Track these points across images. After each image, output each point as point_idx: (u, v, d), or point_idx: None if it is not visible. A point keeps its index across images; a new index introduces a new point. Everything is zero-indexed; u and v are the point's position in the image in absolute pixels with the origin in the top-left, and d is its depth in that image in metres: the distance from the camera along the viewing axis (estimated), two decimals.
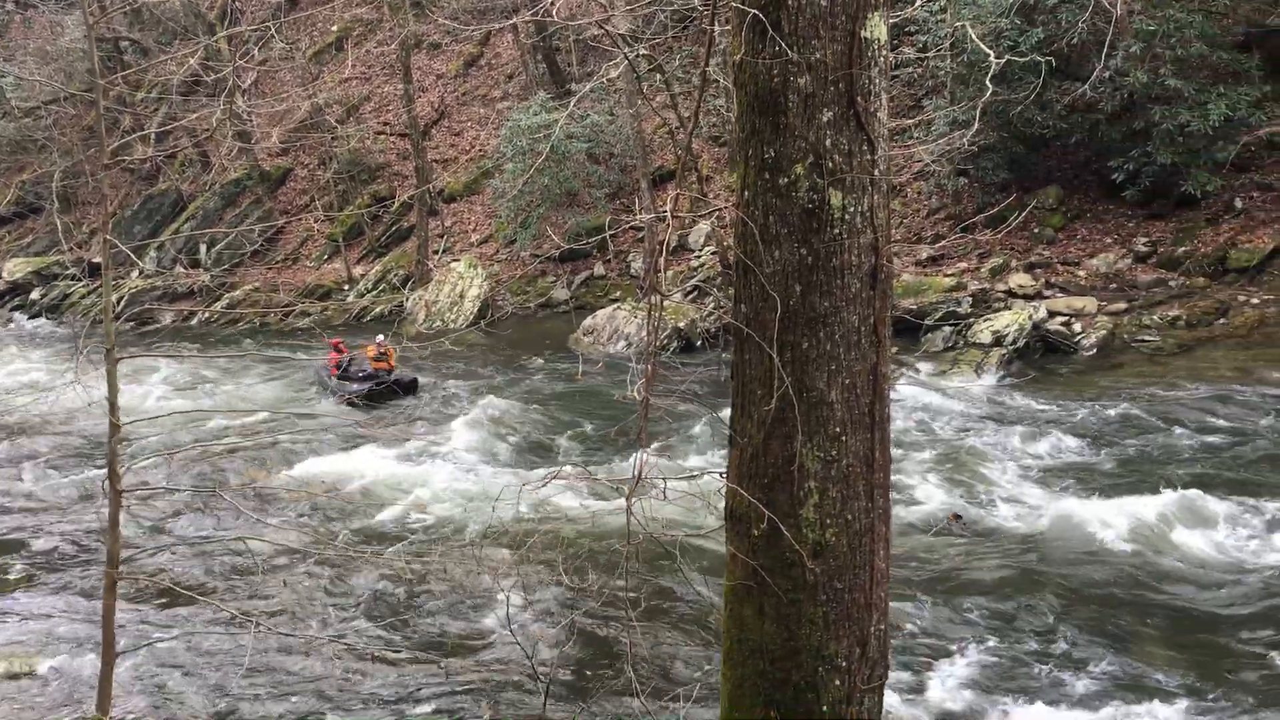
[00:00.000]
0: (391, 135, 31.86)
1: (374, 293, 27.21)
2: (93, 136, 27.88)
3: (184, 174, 32.85)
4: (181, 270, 28.77)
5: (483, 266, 25.62)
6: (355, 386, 18.22)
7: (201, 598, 9.52)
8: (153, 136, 28.46)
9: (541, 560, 9.96)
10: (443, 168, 30.24)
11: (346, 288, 27.80)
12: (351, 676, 8.61)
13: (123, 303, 27.45)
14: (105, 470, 5.49)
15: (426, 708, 7.95)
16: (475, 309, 24.04)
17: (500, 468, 13.91)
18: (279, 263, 29.97)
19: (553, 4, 8.70)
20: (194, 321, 27.64)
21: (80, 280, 30.16)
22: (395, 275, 27.48)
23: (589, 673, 8.28)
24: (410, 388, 18.52)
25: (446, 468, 14.13)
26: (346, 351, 19.27)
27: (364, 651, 8.78)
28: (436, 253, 27.47)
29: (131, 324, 27.26)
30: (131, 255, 6.64)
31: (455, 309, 24.20)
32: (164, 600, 10.23)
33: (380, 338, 19.31)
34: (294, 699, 8.25)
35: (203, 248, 30.26)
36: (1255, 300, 18.48)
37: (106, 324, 5.51)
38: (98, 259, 17.21)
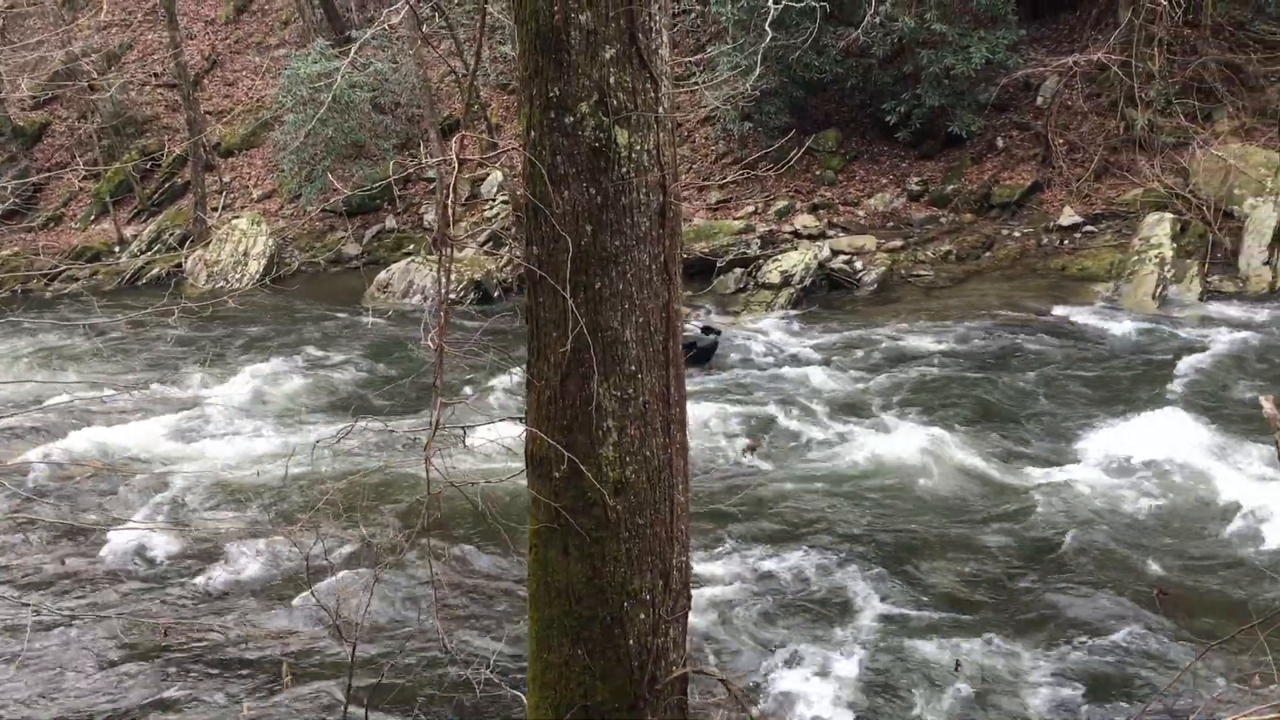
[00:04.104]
0: (159, 86, 30.00)
1: (149, 253, 25.68)
2: None
3: None
4: None
5: (267, 223, 24.57)
6: None
7: None
8: None
9: (341, 519, 9.73)
10: (217, 120, 28.73)
11: (118, 249, 26.16)
12: (145, 653, 8.22)
13: None
14: None
15: (225, 679, 7.69)
16: (261, 267, 23.06)
17: (294, 427, 13.48)
18: (40, 225, 27.89)
19: None
20: None
21: None
22: (171, 234, 26.02)
23: (395, 629, 8.17)
24: (708, 353, 15.18)
25: (236, 432, 13.58)
26: None
27: (156, 625, 8.40)
28: (216, 210, 26.13)
29: None
30: None
31: (239, 268, 23.14)
32: None
33: None
34: (77, 680, 7.82)
35: None
36: (1016, 234, 19.74)
37: None
38: None
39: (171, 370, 16.81)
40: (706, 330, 15.61)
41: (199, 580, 9.50)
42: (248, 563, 9.71)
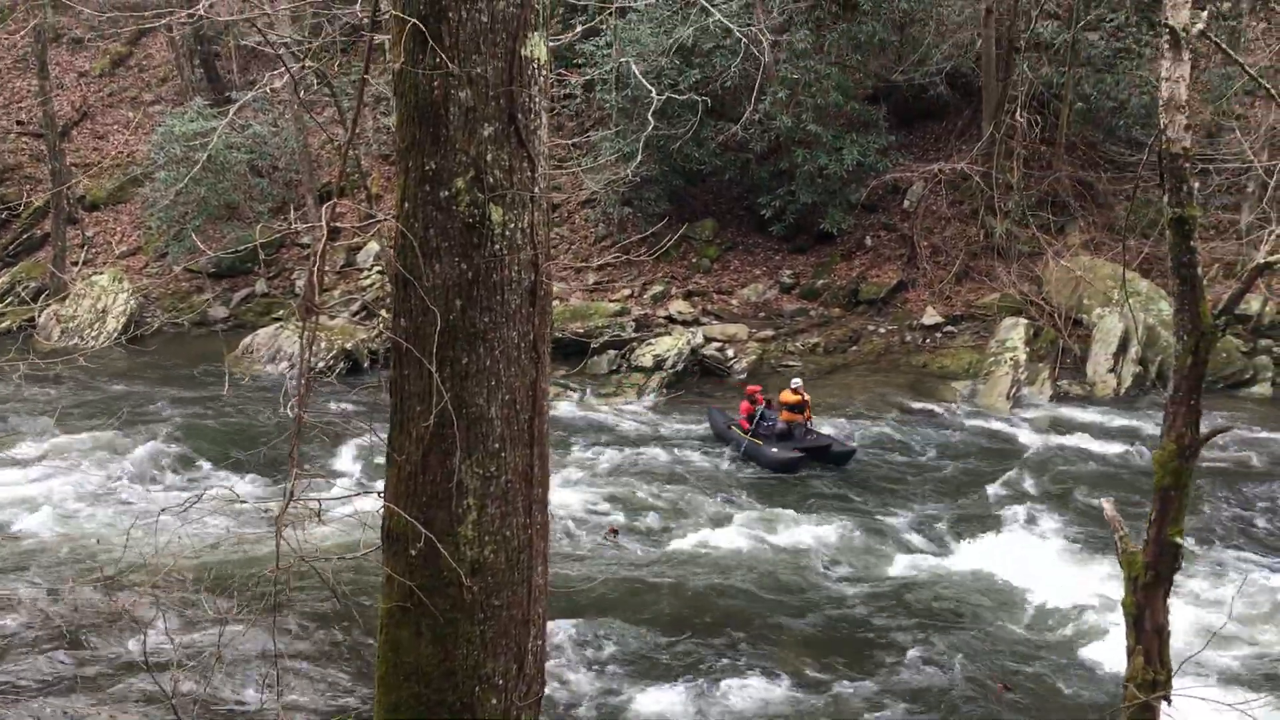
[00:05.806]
0: (24, 135, 28.97)
1: (0, 305, 24.53)
2: None
3: None
4: None
5: (130, 281, 23.75)
6: (778, 452, 14.40)
7: None
8: None
9: (184, 592, 9.29)
10: (84, 172, 27.82)
11: None
12: None
13: None
14: None
15: None
16: (120, 325, 22.20)
17: (140, 494, 12.89)
18: None
19: (210, 6, 8.21)
20: None
21: None
22: (26, 287, 24.91)
23: (234, 710, 7.79)
24: (843, 459, 14.64)
25: (78, 497, 12.90)
26: (763, 401, 15.38)
27: None
28: (76, 264, 25.19)
29: None
30: None
31: (97, 325, 22.27)
32: None
33: (796, 381, 15.50)
34: None
35: None
36: (882, 330, 20.36)
37: None
38: None
39: (12, 431, 15.97)
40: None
41: (27, 653, 8.92)
42: (81, 637, 9.17)
